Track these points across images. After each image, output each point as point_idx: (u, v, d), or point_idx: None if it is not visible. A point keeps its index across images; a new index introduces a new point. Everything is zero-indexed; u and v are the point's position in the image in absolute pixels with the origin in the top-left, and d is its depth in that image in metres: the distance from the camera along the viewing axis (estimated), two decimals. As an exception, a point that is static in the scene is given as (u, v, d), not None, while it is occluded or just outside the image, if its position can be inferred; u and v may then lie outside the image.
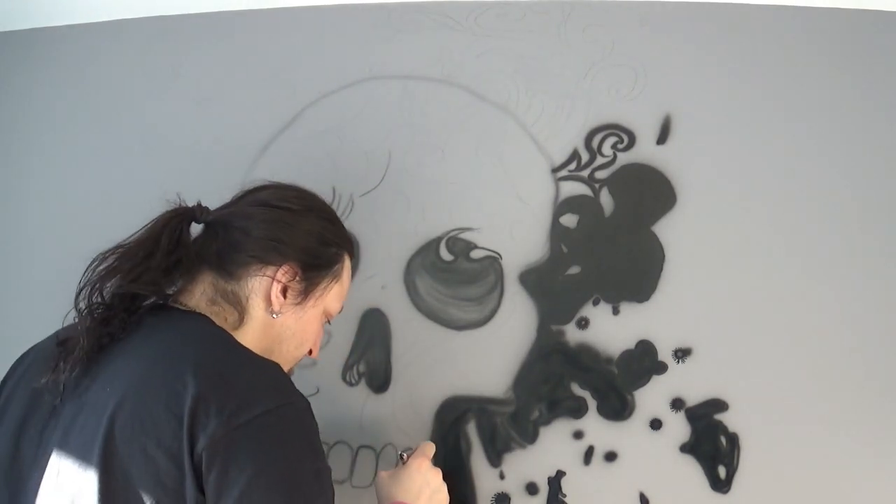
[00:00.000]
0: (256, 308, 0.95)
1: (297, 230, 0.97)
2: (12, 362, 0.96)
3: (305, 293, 0.98)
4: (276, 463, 0.77)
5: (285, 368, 0.98)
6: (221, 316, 0.93)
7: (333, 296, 1.02)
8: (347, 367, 1.32)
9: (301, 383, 1.30)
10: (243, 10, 1.43)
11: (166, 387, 0.80)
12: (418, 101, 1.37)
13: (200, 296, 0.94)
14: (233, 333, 0.91)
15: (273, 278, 0.95)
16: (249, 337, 0.94)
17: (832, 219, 1.30)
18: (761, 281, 1.28)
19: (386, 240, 1.34)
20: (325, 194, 1.34)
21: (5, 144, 1.47)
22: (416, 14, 1.40)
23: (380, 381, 1.31)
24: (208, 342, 0.88)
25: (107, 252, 0.92)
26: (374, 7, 1.40)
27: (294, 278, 0.96)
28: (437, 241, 1.33)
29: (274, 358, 0.93)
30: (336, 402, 1.31)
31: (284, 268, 0.96)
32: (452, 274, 1.32)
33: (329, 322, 1.08)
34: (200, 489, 0.76)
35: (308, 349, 1.03)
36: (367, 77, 1.39)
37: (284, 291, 0.96)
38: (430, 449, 1.10)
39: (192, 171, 1.39)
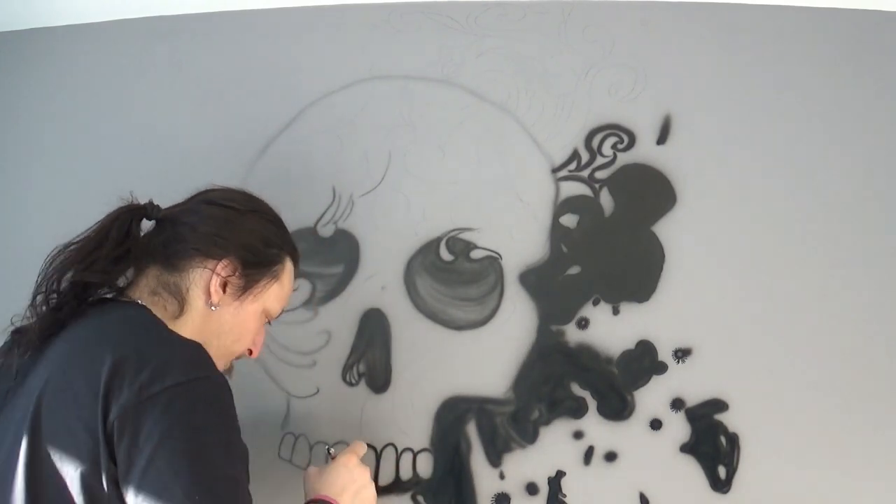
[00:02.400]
0: (196, 299, 0.98)
1: (240, 228, 1.02)
2: None
3: (244, 289, 1.01)
4: (184, 431, 0.79)
5: (221, 362, 1.02)
6: (161, 305, 0.97)
7: (272, 295, 1.05)
8: (347, 367, 1.32)
9: (301, 383, 1.31)
10: (243, 10, 1.43)
11: (87, 365, 0.84)
12: (418, 101, 1.37)
13: (143, 287, 0.98)
14: (172, 323, 0.95)
15: (213, 271, 0.99)
16: (188, 327, 0.97)
17: (832, 219, 1.30)
18: (761, 281, 1.28)
19: (386, 240, 1.34)
20: (325, 194, 1.36)
21: (5, 144, 1.47)
22: (416, 14, 1.40)
23: (380, 381, 1.31)
24: (132, 324, 0.92)
25: (62, 246, 0.98)
26: (374, 7, 1.40)
27: (234, 273, 1.00)
28: (437, 241, 1.33)
29: (211, 351, 0.96)
30: (336, 402, 1.31)
31: (224, 262, 0.99)
32: (452, 274, 1.32)
33: (269, 323, 1.09)
34: (113, 459, 0.79)
35: (246, 346, 1.05)
36: (367, 77, 1.39)
37: (224, 286, 1.00)
38: (361, 448, 1.11)
39: (192, 171, 1.38)
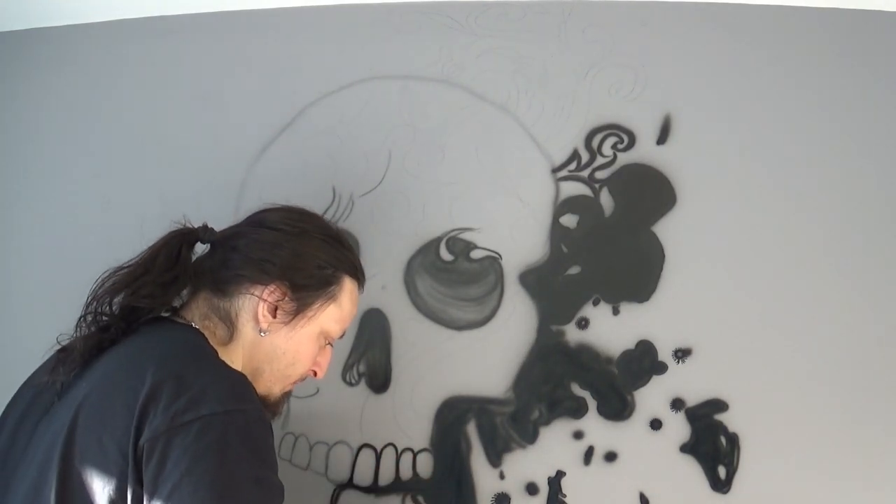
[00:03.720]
0: (245, 326, 0.97)
1: (287, 251, 1.00)
2: (8, 353, 0.99)
3: (296, 313, 0.99)
4: (213, 463, 0.78)
5: (278, 387, 1.01)
6: (211, 331, 0.96)
7: (329, 317, 1.02)
8: (347, 367, 1.32)
9: (301, 383, 1.31)
10: (243, 10, 1.43)
11: (127, 383, 0.83)
12: (418, 101, 1.37)
13: (195, 310, 0.98)
14: (222, 348, 0.94)
15: (260, 297, 0.97)
16: (238, 353, 0.97)
17: (832, 218, 1.30)
18: (761, 281, 1.29)
19: (386, 240, 1.34)
20: (325, 194, 1.36)
21: (4, 144, 1.47)
22: (416, 14, 1.40)
23: (380, 381, 1.31)
24: (178, 347, 0.90)
25: (113, 270, 0.97)
26: (374, 7, 1.40)
27: (283, 298, 0.98)
28: (437, 241, 1.33)
29: (264, 377, 0.97)
30: (336, 402, 1.31)
31: (271, 287, 0.98)
32: (452, 274, 1.32)
33: (331, 345, 1.07)
34: (140, 482, 0.78)
35: (304, 369, 1.03)
36: (367, 77, 1.39)
37: (274, 311, 0.98)
38: None
39: (192, 171, 1.39)
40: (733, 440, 1.25)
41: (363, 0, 1.41)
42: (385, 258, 1.33)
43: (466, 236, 1.33)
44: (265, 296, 0.97)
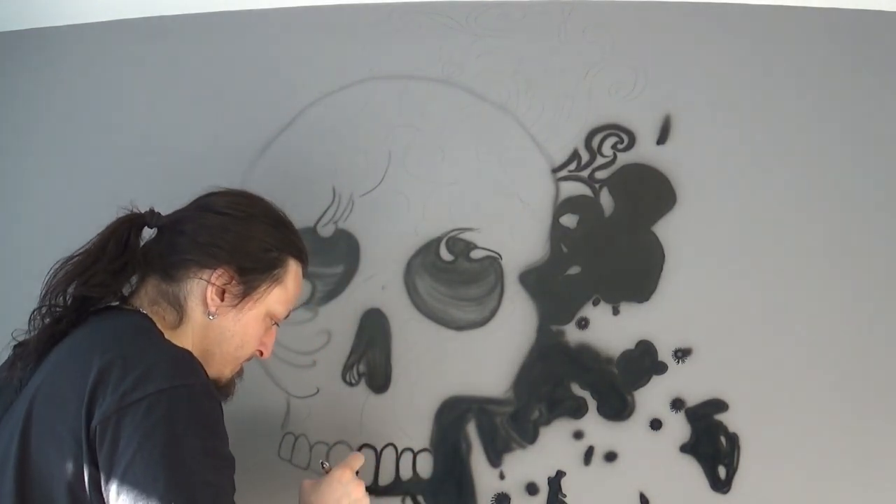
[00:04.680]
0: (194, 310, 0.98)
1: (234, 234, 1.00)
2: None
3: (243, 296, 1.00)
4: (162, 438, 0.79)
5: (228, 369, 1.02)
6: (160, 315, 0.97)
7: (275, 299, 1.03)
8: (347, 367, 1.32)
9: (301, 383, 1.31)
10: (243, 10, 1.43)
11: (75, 369, 0.85)
12: (418, 101, 1.37)
13: (144, 296, 0.99)
14: (171, 332, 0.95)
15: (208, 281, 0.98)
16: (188, 337, 0.97)
17: (832, 218, 1.30)
18: (761, 281, 1.29)
19: (386, 240, 1.34)
20: (325, 194, 1.36)
21: (4, 144, 1.47)
22: (416, 14, 1.40)
23: (380, 381, 1.31)
24: (123, 330, 0.92)
25: (64, 260, 0.98)
26: (374, 7, 1.40)
27: (230, 281, 0.99)
28: (437, 241, 1.33)
29: (215, 359, 0.98)
30: (336, 402, 1.31)
31: (219, 271, 0.98)
32: (452, 274, 1.32)
33: (277, 325, 1.08)
34: (95, 464, 0.80)
35: (252, 351, 1.04)
36: (367, 77, 1.39)
37: (222, 294, 0.99)
38: (357, 461, 1.08)
39: (191, 171, 1.39)
40: (733, 440, 1.25)
41: (363, 0, 1.41)
42: (385, 258, 1.33)
43: (466, 236, 1.33)
44: (213, 279, 0.98)
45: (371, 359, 1.32)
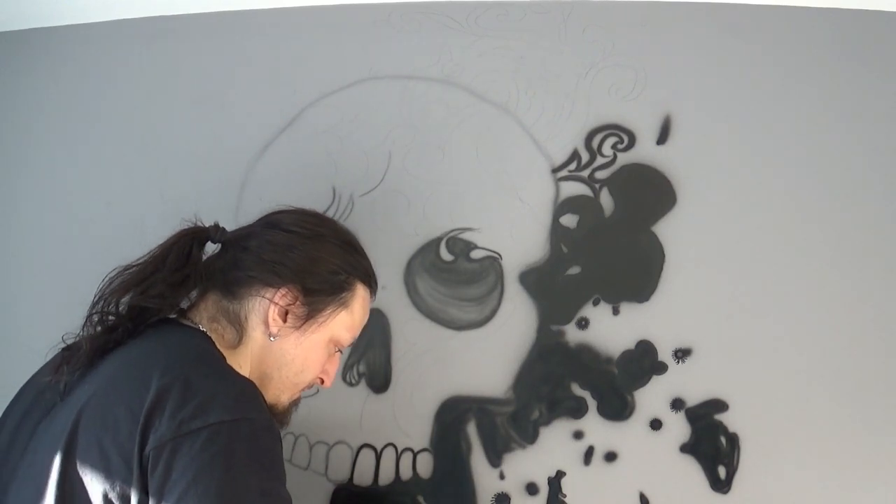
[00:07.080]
0: (255, 329, 0.95)
1: (301, 253, 0.97)
2: (11, 351, 0.98)
3: (307, 318, 0.97)
4: (219, 473, 0.76)
5: (286, 395, 0.99)
6: (219, 333, 0.94)
7: (340, 324, 1.00)
8: (347, 368, 1.32)
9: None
10: (243, 10, 1.43)
11: (131, 387, 0.81)
12: (418, 101, 1.37)
13: (203, 312, 0.96)
14: (229, 352, 0.92)
15: (271, 300, 0.95)
16: (246, 357, 0.95)
17: (832, 218, 1.30)
18: (761, 281, 1.29)
19: (386, 240, 1.34)
20: (325, 194, 1.36)
21: (4, 144, 1.47)
22: (416, 14, 1.40)
23: (380, 381, 1.31)
24: (184, 351, 0.88)
25: (121, 268, 0.95)
26: (374, 7, 1.40)
27: (294, 302, 0.96)
28: (437, 241, 1.33)
29: (273, 384, 0.95)
30: (336, 402, 1.31)
31: (283, 290, 0.95)
32: (452, 274, 1.32)
33: (340, 352, 1.05)
34: (145, 489, 0.77)
35: (313, 377, 1.01)
36: (367, 77, 1.39)
37: (285, 315, 0.96)
38: None
39: (191, 171, 1.39)
40: (733, 440, 1.25)
41: (363, 0, 1.41)
42: (385, 258, 1.33)
43: (466, 236, 1.33)
44: (276, 299, 0.95)
45: (371, 359, 1.32)
